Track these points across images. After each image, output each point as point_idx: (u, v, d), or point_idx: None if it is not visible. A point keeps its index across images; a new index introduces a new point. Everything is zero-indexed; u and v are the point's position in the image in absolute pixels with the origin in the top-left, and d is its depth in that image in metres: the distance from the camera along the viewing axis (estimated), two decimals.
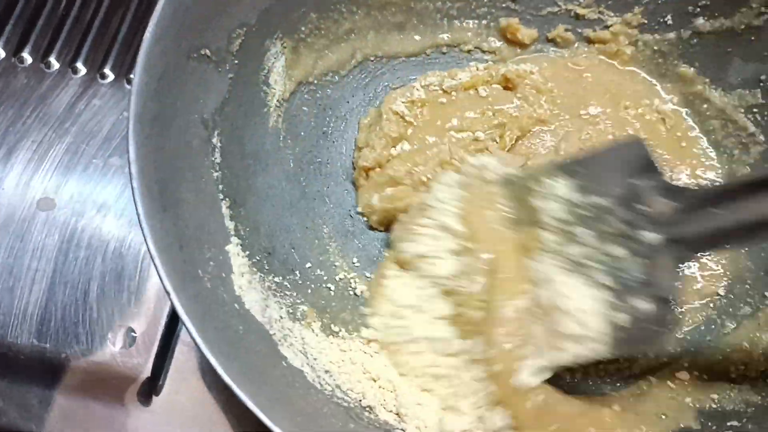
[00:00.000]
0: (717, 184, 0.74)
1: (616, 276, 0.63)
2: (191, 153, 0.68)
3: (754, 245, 0.77)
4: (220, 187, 0.71)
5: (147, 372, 0.79)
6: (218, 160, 0.71)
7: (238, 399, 0.53)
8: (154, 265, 0.55)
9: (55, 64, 0.96)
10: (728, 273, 0.80)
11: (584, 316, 0.63)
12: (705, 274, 0.80)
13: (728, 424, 0.68)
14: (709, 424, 0.69)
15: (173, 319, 0.81)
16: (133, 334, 0.80)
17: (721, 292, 0.79)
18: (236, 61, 0.75)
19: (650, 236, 0.63)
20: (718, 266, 0.80)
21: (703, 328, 0.78)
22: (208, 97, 0.72)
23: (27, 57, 0.97)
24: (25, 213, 0.87)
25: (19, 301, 0.82)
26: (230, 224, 0.70)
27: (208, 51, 0.70)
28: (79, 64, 0.96)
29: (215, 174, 0.70)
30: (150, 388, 0.79)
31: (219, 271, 0.65)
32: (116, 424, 0.77)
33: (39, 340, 0.80)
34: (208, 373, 0.79)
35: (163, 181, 0.62)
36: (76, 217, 0.87)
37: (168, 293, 0.55)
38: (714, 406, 0.71)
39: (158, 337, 0.80)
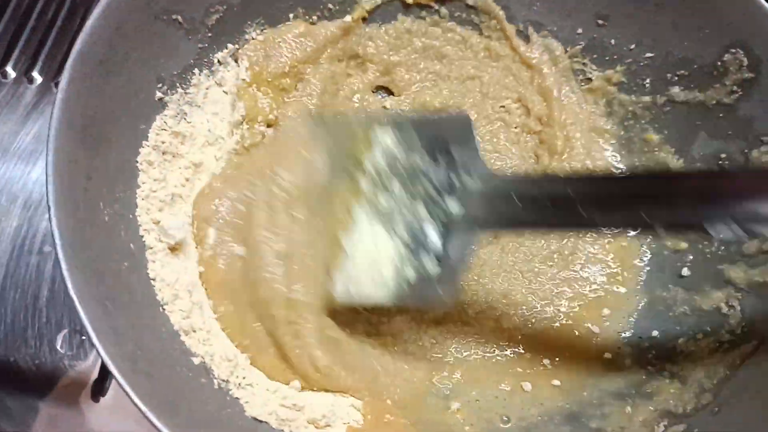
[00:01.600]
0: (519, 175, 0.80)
1: (414, 234, 0.69)
2: (135, 102, 0.72)
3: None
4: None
5: (95, 374, 0.82)
6: (167, 119, 0.76)
7: None
8: (46, 178, 0.59)
9: (12, 74, 0.98)
10: None
11: (380, 263, 0.70)
12: None
13: None
14: None
15: None
16: (81, 338, 0.82)
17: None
18: (210, 34, 0.80)
19: (454, 206, 0.69)
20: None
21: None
22: (171, 59, 0.77)
23: None
24: None
25: None
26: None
27: (180, 18, 0.76)
28: (35, 74, 0.98)
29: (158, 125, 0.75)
30: (98, 390, 0.81)
31: (125, 212, 0.69)
32: (65, 424, 0.80)
33: None
34: None
35: (93, 117, 0.67)
36: (28, 223, 0.88)
37: (48, 207, 0.59)
38: None
39: None
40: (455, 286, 0.69)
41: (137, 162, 0.72)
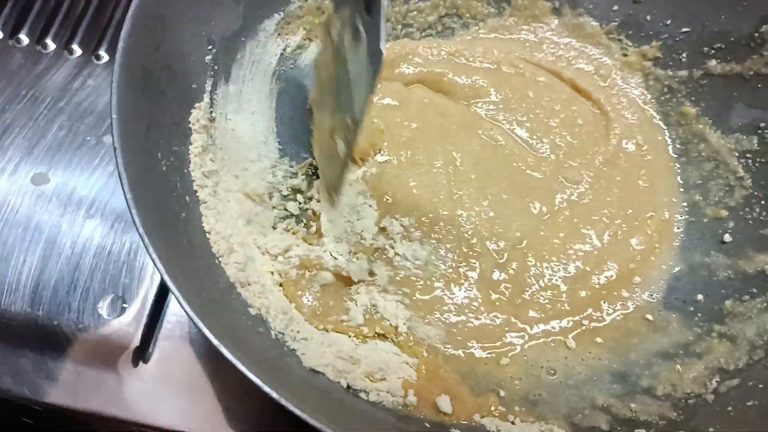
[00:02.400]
0: None
1: None
2: (188, 61, 0.73)
3: None
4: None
5: (137, 341, 0.81)
6: (213, 81, 0.77)
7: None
8: (111, 121, 0.60)
9: (52, 45, 0.97)
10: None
11: None
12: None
13: (636, 431, 0.67)
14: (618, 428, 0.68)
15: (163, 290, 0.82)
16: (124, 304, 0.82)
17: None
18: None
19: None
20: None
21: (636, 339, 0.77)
22: (221, 22, 0.78)
23: (24, 38, 0.98)
24: (20, 187, 0.88)
25: (14, 270, 0.82)
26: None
27: None
28: (75, 46, 0.97)
29: (208, 89, 0.75)
30: (139, 356, 0.81)
31: (180, 165, 0.70)
32: (106, 389, 0.79)
33: (32, 308, 0.81)
34: (196, 343, 0.81)
35: (151, 69, 0.67)
36: (70, 191, 0.88)
37: (114, 149, 0.59)
38: (630, 415, 0.70)
39: (148, 307, 0.82)
40: None
41: (189, 121, 0.72)
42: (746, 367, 0.69)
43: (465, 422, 0.68)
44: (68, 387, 0.78)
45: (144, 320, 0.81)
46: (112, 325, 0.80)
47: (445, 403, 0.68)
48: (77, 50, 0.98)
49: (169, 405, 0.78)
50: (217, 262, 0.68)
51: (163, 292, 0.82)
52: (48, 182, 0.88)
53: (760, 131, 0.82)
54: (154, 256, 0.56)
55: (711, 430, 0.64)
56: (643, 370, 0.74)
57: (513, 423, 0.69)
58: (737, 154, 0.83)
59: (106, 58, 0.96)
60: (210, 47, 0.76)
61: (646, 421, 0.68)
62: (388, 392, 0.67)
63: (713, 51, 0.86)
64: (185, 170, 0.70)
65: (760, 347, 0.70)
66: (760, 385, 0.66)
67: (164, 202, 0.64)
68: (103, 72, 0.95)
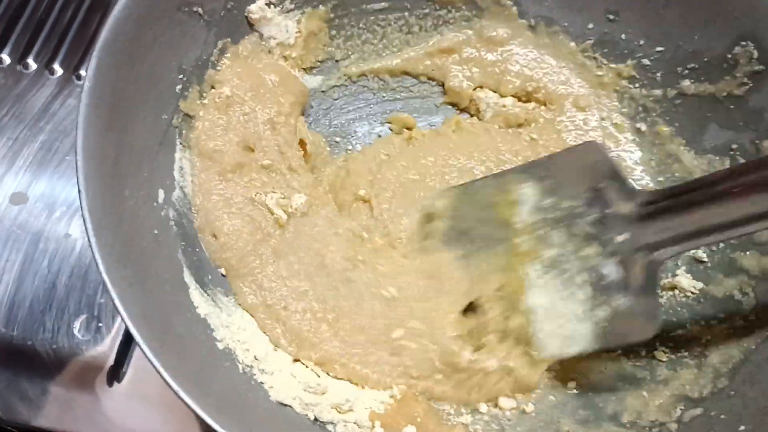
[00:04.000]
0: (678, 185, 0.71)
1: (591, 275, 0.68)
2: (157, 90, 0.74)
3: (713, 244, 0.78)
4: (183, 132, 0.76)
5: (111, 360, 0.82)
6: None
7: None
8: (75, 161, 0.60)
9: (33, 65, 0.99)
10: None
11: (564, 316, 0.69)
12: None
13: None
14: None
15: None
16: (99, 324, 0.83)
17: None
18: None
19: (619, 237, 0.67)
20: None
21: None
22: (191, 50, 0.78)
23: (5, 58, 0.99)
24: None
25: None
26: (177, 168, 0.75)
27: (200, 9, 0.77)
28: (56, 66, 0.99)
29: (178, 118, 0.76)
30: (113, 376, 0.82)
31: (149, 200, 0.70)
32: (80, 409, 0.80)
33: (6, 327, 0.82)
34: None
35: (118, 101, 0.67)
36: (48, 211, 0.89)
37: (79, 191, 0.60)
38: None
39: (123, 327, 0.83)
40: (655, 314, 0.67)
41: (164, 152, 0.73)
42: (710, 395, 0.70)
43: None
44: (41, 407, 0.80)
45: (119, 339, 0.82)
46: (86, 345, 0.82)
47: None
48: (58, 70, 0.99)
49: (142, 425, 0.79)
50: (187, 294, 0.69)
51: None
52: (26, 201, 0.90)
53: (732, 153, 0.82)
54: (115, 298, 0.57)
55: None
56: (609, 395, 0.75)
57: None
58: None
59: None
60: (180, 76, 0.76)
61: None
62: (355, 423, 0.68)
63: (687, 71, 0.85)
64: (154, 203, 0.71)
65: (725, 375, 0.71)
66: (722, 415, 0.67)
67: (131, 238, 0.65)
68: None
